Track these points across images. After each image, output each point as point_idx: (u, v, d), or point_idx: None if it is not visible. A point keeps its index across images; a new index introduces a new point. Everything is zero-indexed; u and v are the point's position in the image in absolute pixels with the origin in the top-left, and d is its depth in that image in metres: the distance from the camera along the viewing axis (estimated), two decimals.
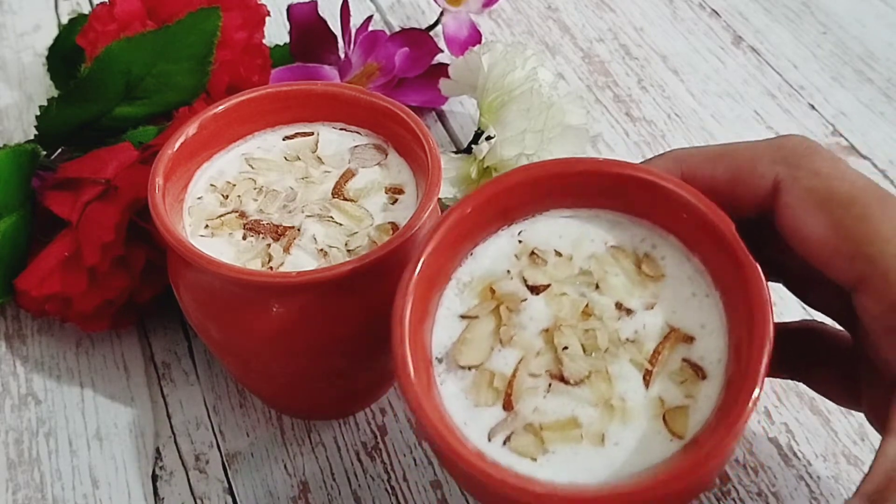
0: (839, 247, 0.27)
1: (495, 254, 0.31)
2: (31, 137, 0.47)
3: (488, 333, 0.30)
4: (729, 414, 0.26)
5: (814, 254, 0.28)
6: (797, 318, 0.37)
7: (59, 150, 0.47)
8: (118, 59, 0.44)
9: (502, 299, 0.30)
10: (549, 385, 0.29)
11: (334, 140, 0.39)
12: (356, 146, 0.39)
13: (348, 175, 0.38)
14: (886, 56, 0.58)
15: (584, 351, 0.29)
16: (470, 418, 0.28)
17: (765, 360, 0.26)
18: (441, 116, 0.55)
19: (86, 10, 0.63)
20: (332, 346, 0.35)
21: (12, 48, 0.61)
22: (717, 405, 0.28)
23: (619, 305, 0.30)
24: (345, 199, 0.37)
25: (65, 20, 0.61)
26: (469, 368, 0.29)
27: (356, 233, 0.36)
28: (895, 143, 0.53)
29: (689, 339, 0.29)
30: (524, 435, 0.28)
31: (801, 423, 0.40)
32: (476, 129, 0.46)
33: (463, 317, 0.30)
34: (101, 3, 0.48)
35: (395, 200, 0.37)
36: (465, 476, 0.26)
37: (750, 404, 0.25)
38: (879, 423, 0.29)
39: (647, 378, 0.28)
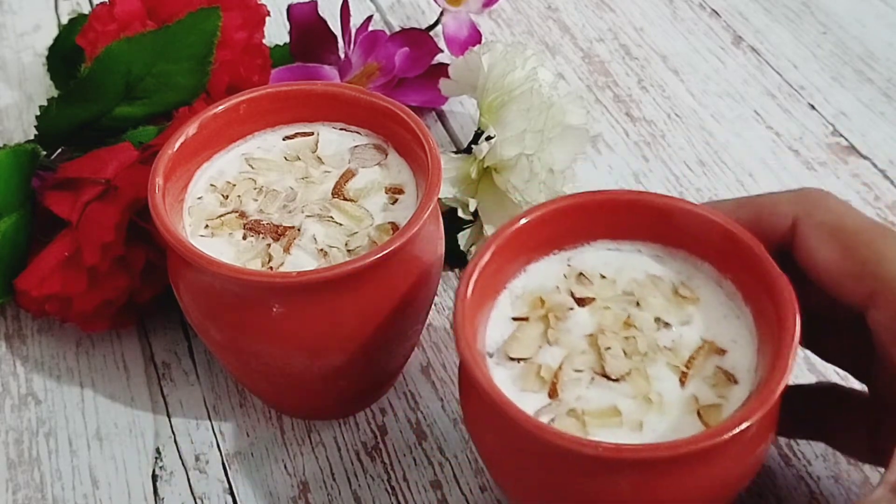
0: (850, 269, 0.30)
1: (546, 272, 0.34)
2: (31, 137, 0.47)
3: (537, 334, 0.32)
4: (755, 401, 0.28)
5: (828, 278, 0.31)
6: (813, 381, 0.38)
7: (59, 150, 0.47)
8: (118, 59, 0.44)
9: (551, 308, 0.33)
10: (592, 379, 0.31)
11: (334, 140, 0.39)
12: (356, 146, 0.39)
13: (348, 175, 0.38)
14: (886, 56, 0.58)
15: (625, 354, 0.31)
16: (517, 400, 0.29)
17: (791, 356, 0.28)
18: (441, 116, 0.55)
19: (86, 10, 0.63)
20: (333, 346, 0.35)
21: (12, 48, 0.61)
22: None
23: (657, 320, 0.32)
24: (345, 199, 0.37)
25: (65, 20, 0.61)
26: (518, 360, 0.32)
27: (356, 233, 0.36)
28: (895, 143, 0.53)
29: (722, 352, 0.31)
30: (567, 419, 0.30)
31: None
32: (476, 129, 0.46)
33: (515, 319, 0.33)
34: (101, 3, 0.48)
35: (396, 200, 0.37)
36: (522, 434, 0.28)
37: (780, 385, 0.28)
38: None
39: (682, 379, 0.31)
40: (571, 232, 0.34)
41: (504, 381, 0.31)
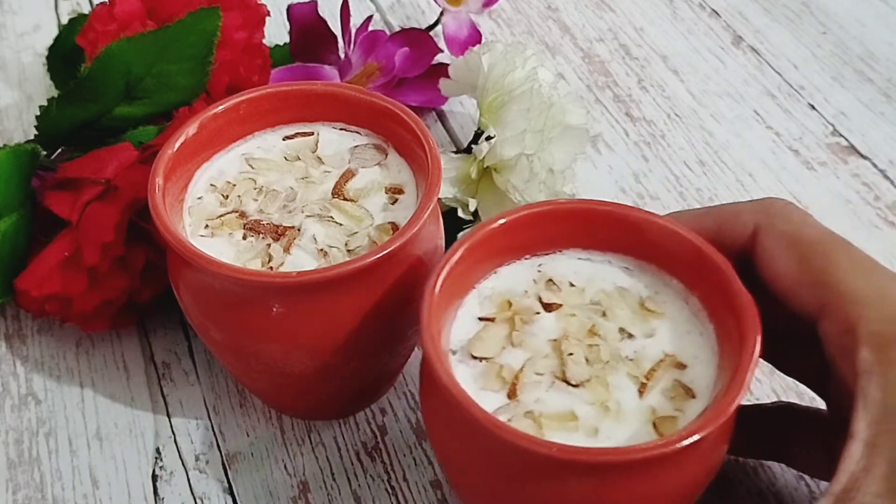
0: (804, 279, 0.30)
1: (516, 276, 0.34)
2: (32, 137, 0.47)
3: (502, 336, 0.33)
4: (710, 413, 0.28)
5: (784, 288, 0.31)
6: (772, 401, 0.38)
7: (60, 150, 0.47)
8: (118, 59, 0.44)
9: (518, 311, 0.33)
10: (553, 383, 0.31)
11: (334, 140, 0.39)
12: (356, 146, 0.39)
13: (348, 175, 0.38)
14: (886, 56, 0.58)
15: (587, 361, 0.32)
16: (477, 398, 0.29)
17: (748, 376, 0.28)
18: (441, 116, 0.55)
19: (86, 9, 0.63)
20: (333, 345, 0.35)
21: (12, 48, 0.61)
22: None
23: (622, 330, 0.33)
24: (345, 199, 0.37)
25: (65, 20, 0.61)
26: (481, 360, 0.32)
27: (356, 233, 0.36)
28: (895, 143, 0.53)
29: (682, 366, 0.32)
30: (524, 420, 0.30)
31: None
32: (476, 129, 0.46)
33: (481, 319, 0.33)
34: (101, 2, 0.48)
35: (395, 200, 0.37)
36: (478, 429, 0.28)
37: (732, 404, 0.28)
38: None
39: (641, 390, 0.31)
40: (544, 238, 0.34)
41: (465, 378, 0.31)
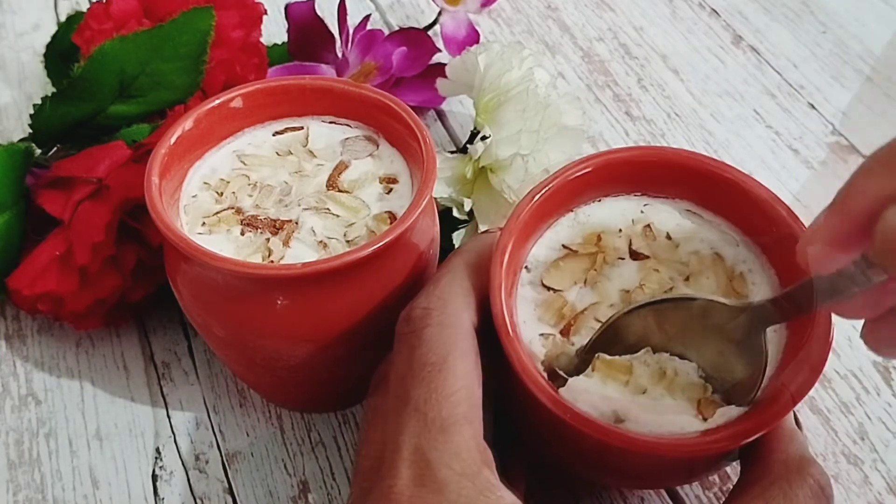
0: None
1: (618, 210, 0.33)
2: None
3: (579, 270, 0.32)
4: (754, 418, 0.28)
5: None
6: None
7: (55, 148, 0.47)
8: (112, 58, 0.44)
9: (604, 249, 0.32)
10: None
11: (324, 133, 0.39)
12: (347, 138, 0.39)
13: (342, 167, 0.38)
14: (886, 56, 0.58)
15: None
16: (530, 321, 0.30)
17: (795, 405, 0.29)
18: (440, 115, 0.55)
19: (85, 9, 0.63)
20: (336, 335, 0.35)
21: (12, 48, 0.61)
22: (746, 411, 0.30)
23: None
24: (340, 191, 0.37)
25: (64, 20, 0.61)
26: (548, 289, 0.32)
27: (354, 223, 0.36)
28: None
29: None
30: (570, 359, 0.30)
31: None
32: (472, 129, 0.46)
33: (565, 246, 0.33)
34: (98, 1, 0.48)
35: (390, 190, 0.37)
36: (513, 371, 0.29)
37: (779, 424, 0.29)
38: None
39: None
40: (658, 182, 0.33)
41: (527, 301, 0.31)
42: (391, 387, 0.30)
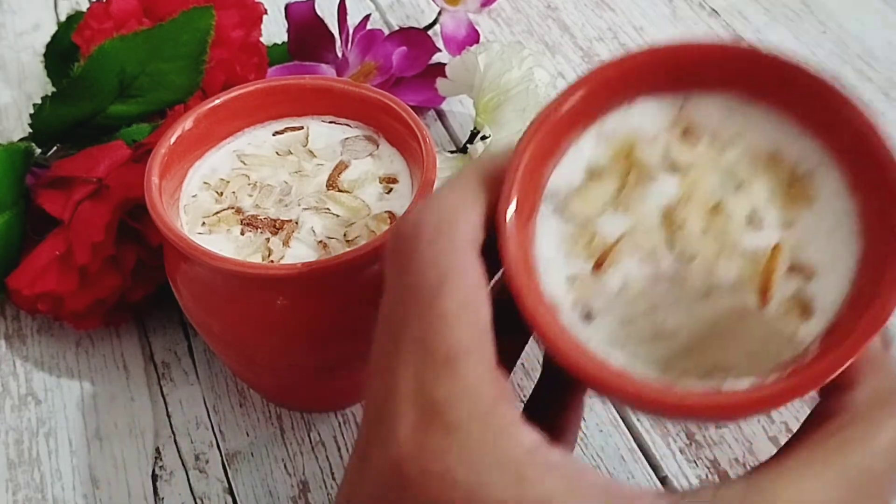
0: None
1: (651, 113, 0.28)
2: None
3: (608, 194, 0.27)
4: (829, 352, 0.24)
5: None
6: None
7: (55, 148, 0.47)
8: (112, 58, 0.44)
9: (637, 164, 0.27)
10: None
11: (324, 133, 0.40)
12: (347, 138, 0.39)
13: (341, 167, 0.38)
14: (886, 55, 0.58)
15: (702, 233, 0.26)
16: (554, 262, 0.26)
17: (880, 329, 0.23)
18: (441, 115, 0.55)
19: (85, 9, 0.63)
20: (336, 335, 0.35)
21: (12, 48, 0.61)
22: (817, 339, 0.25)
23: (751, 217, 0.27)
24: (340, 191, 0.37)
25: (64, 20, 0.61)
26: (573, 219, 0.27)
27: (354, 223, 0.36)
28: (895, 142, 0.53)
29: (810, 275, 0.26)
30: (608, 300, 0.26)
31: (800, 422, 0.40)
32: (472, 128, 0.46)
33: (589, 169, 0.28)
34: (98, 0, 0.48)
35: (390, 190, 0.37)
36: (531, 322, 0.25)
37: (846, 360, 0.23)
38: None
39: (761, 299, 0.26)
40: (698, 74, 0.27)
41: (551, 235, 0.27)
42: (382, 322, 0.26)
